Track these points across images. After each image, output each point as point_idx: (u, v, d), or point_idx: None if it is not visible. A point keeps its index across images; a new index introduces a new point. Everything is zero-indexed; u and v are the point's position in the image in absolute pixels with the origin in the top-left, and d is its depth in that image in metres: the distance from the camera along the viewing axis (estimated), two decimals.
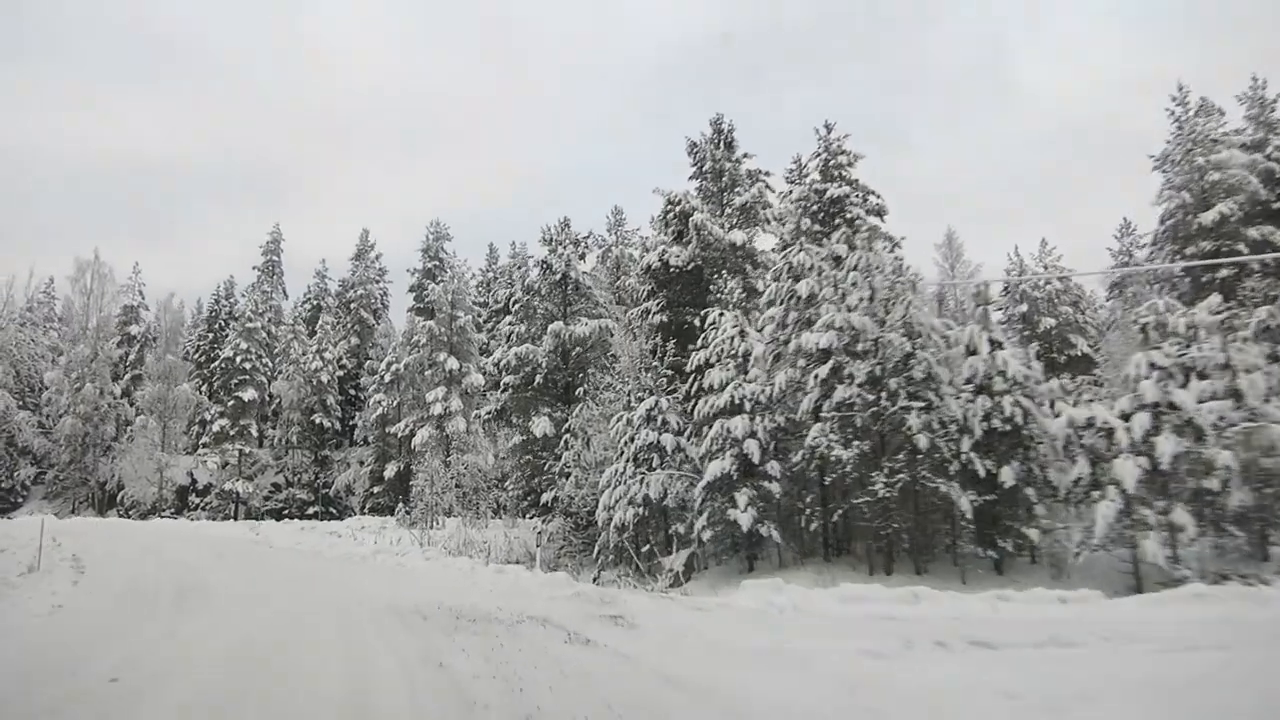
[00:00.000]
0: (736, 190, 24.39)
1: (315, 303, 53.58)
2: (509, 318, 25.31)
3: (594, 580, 17.60)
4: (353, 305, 52.05)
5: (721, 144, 24.65)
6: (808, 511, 14.76)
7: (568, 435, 21.91)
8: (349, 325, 51.14)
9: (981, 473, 13.60)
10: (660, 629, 8.07)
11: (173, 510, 42.96)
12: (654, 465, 16.59)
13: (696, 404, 17.60)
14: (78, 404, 43.51)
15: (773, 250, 24.25)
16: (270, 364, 46.96)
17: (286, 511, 41.98)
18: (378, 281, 54.37)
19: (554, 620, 8.41)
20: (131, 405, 45.47)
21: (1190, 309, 14.75)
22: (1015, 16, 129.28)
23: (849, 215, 27.36)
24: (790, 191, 29.62)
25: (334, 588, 12.14)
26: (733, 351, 17.09)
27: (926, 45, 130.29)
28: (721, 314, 18.56)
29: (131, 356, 47.37)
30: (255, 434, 44.31)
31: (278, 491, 43.96)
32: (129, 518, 41.01)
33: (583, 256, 25.97)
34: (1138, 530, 12.20)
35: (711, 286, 21.40)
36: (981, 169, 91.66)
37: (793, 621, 9.31)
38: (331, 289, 54.65)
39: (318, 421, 44.86)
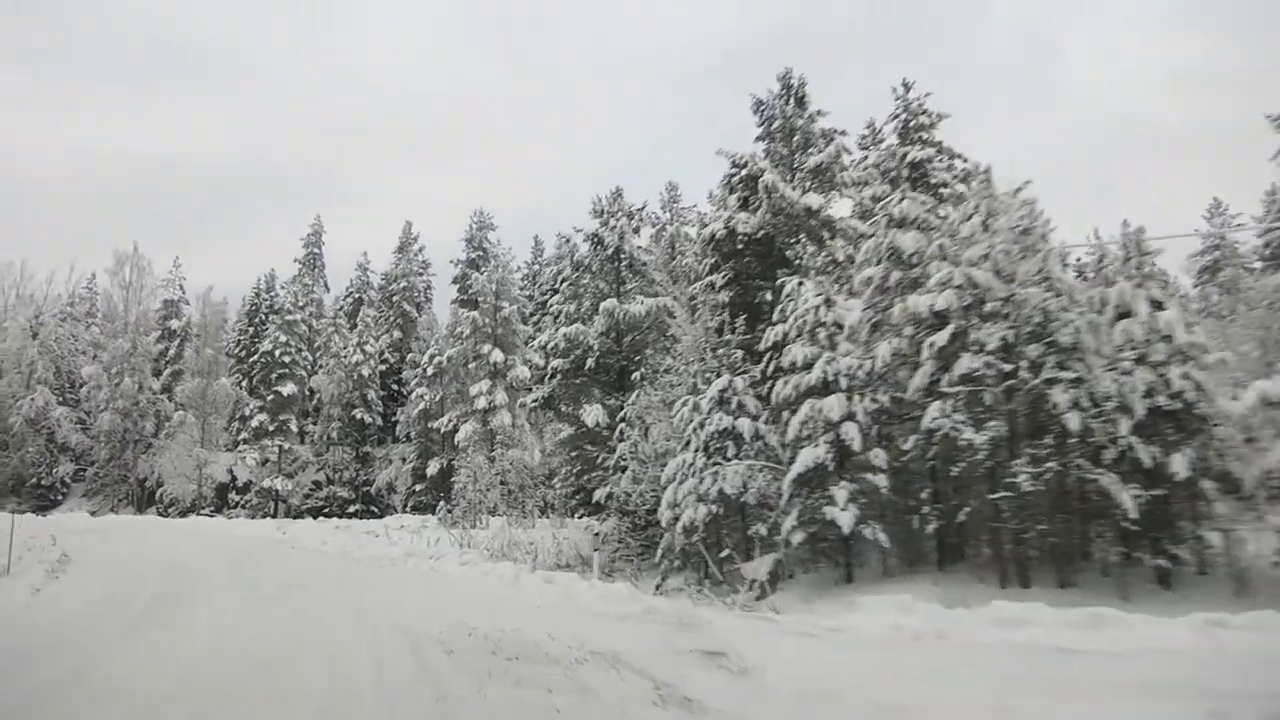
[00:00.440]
0: (809, 151, 21.74)
1: (357, 296, 52.07)
2: (556, 296, 23.03)
3: (656, 589, 15.21)
4: (395, 298, 50.45)
5: (792, 100, 22.03)
6: (922, 509, 12.13)
7: (623, 424, 19.51)
8: (391, 319, 49.55)
9: (1147, 462, 10.86)
10: (786, 675, 5.60)
11: (212, 508, 41.63)
12: (729, 455, 14.09)
13: (773, 386, 15.11)
14: (116, 399, 42.39)
15: (851, 216, 21.61)
16: (310, 358, 45.47)
17: (327, 510, 40.38)
18: (420, 274, 52.77)
19: (628, 658, 6.01)
20: (171, 401, 44.28)
21: None
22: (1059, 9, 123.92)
23: (932, 181, 24.65)
24: (866, 156, 26.94)
25: (343, 601, 9.93)
26: (819, 322, 14.53)
27: (973, 37, 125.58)
28: (801, 282, 16.02)
29: (171, 351, 46.26)
30: (295, 430, 42.78)
31: (318, 489, 42.38)
32: (168, 515, 39.75)
33: (636, 230, 23.55)
34: None
35: (789, 253, 18.83)
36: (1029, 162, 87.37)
37: (954, 658, 6.77)
38: (374, 282, 53.10)
39: (359, 417, 43.21)
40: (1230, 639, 7.74)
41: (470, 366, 39.38)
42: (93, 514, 39.25)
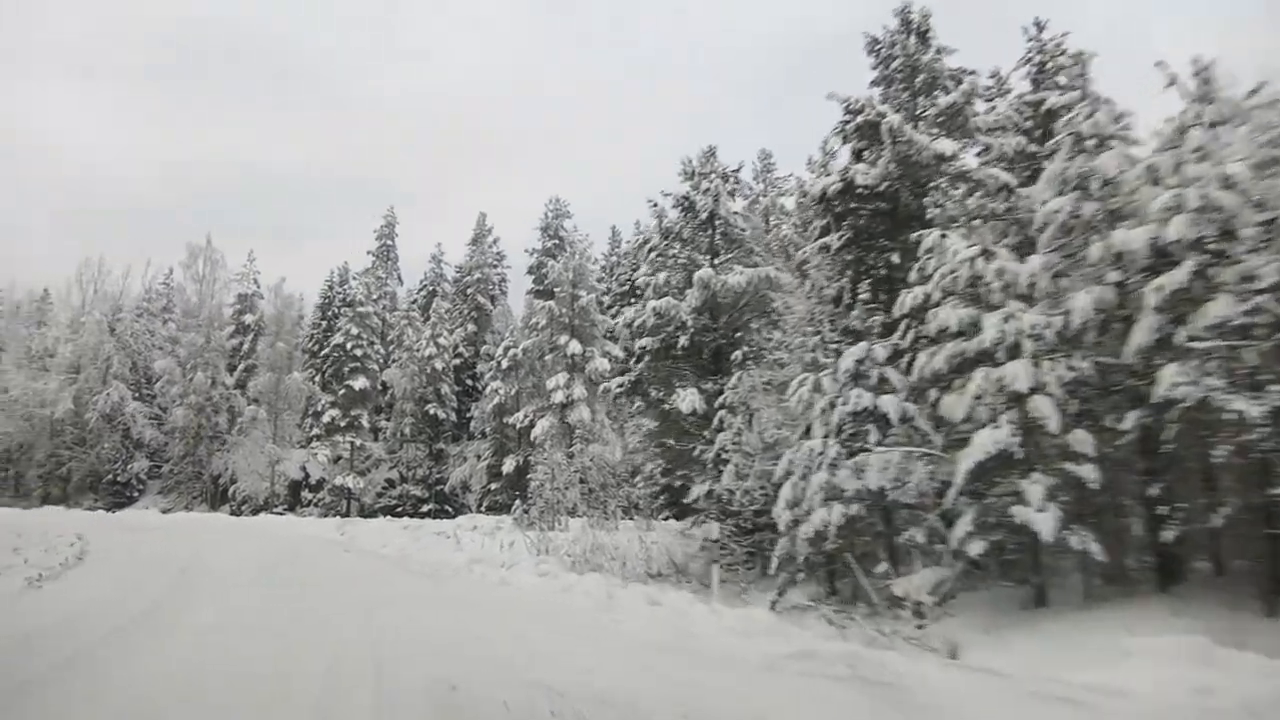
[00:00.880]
0: (934, 94, 18.64)
1: (430, 289, 50.57)
2: (644, 267, 20.36)
3: (771, 606, 12.44)
4: (469, 291, 48.78)
5: (913, 35, 18.94)
6: (1156, 509, 9.05)
7: (722, 412, 16.78)
8: (465, 312, 47.87)
9: None
10: None
11: (284, 506, 40.40)
12: (870, 441, 11.20)
13: (913, 359, 12.22)
14: (189, 394, 41.61)
15: (987, 164, 18.41)
16: (384, 352, 44.03)
17: (400, 509, 38.74)
18: (494, 266, 50.98)
19: None
20: (244, 396, 43.38)
21: None
22: None
23: (1075, 132, 21.24)
24: (993, 107, 23.57)
25: (374, 630, 7.40)
26: (976, 277, 11.54)
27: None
28: (944, 234, 13.06)
29: (245, 346, 45.44)
30: (368, 426, 41.27)
31: (391, 487, 40.79)
32: (240, 514, 38.64)
33: (732, 194, 20.78)
34: None
35: (920, 206, 15.81)
36: None
37: None
38: (448, 274, 51.55)
39: (432, 412, 41.47)
40: None
41: (546, 359, 37.31)
42: (167, 511, 38.42)
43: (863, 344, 11.99)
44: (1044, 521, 8.78)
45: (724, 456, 16.32)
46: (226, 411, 42.97)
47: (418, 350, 42.04)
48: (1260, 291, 8.16)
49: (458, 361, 44.82)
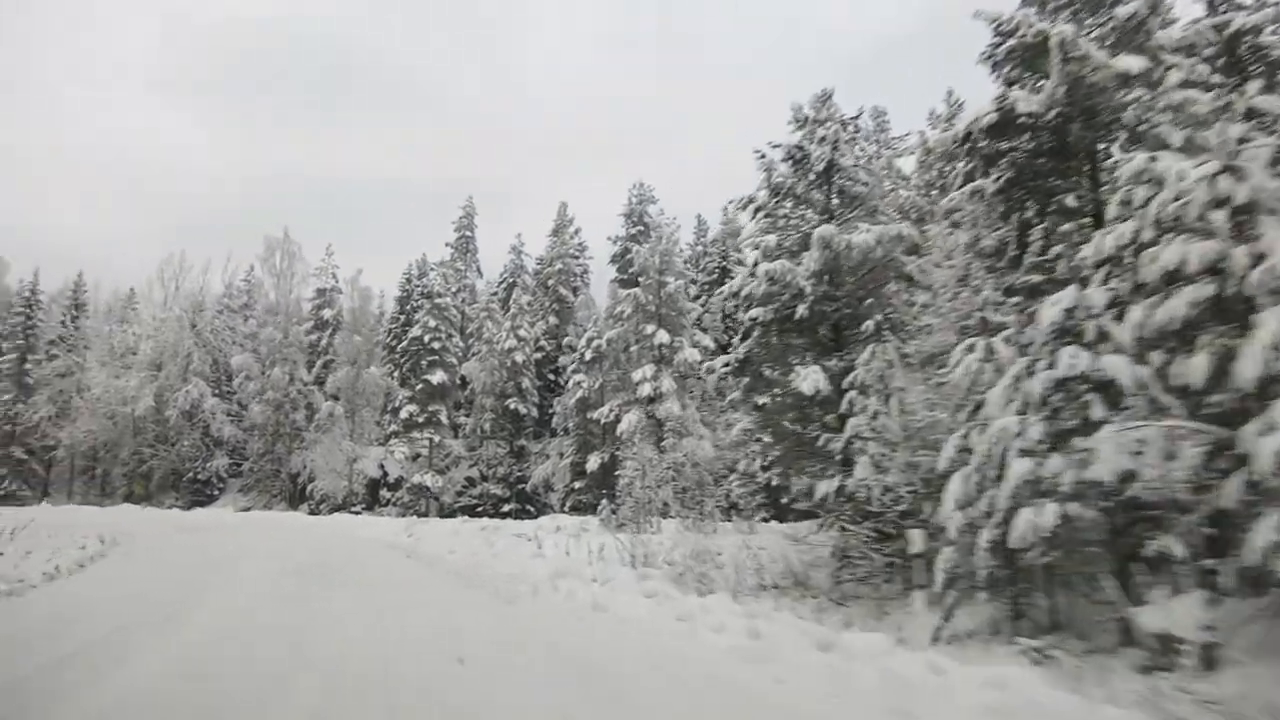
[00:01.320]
0: (1104, 8, 15.40)
1: (510, 281, 48.79)
2: (750, 225, 17.61)
3: (934, 639, 9.60)
4: (550, 283, 46.83)
5: None
6: None
7: (852, 393, 13.89)
8: (546, 305, 45.93)
9: None
10: None
11: (363, 505, 39.03)
12: (1093, 418, 8.23)
13: (1121, 313, 9.22)
14: (267, 390, 40.68)
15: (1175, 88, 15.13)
16: (462, 345, 42.36)
17: (480, 508, 36.89)
18: (577, 257, 48.97)
19: None
20: (322, 392, 42.28)
21: None
22: None
23: (1275, 56, 17.68)
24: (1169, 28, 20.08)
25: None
26: (1216, 201, 8.49)
27: None
28: (1153, 157, 9.98)
29: (324, 342, 44.42)
30: (446, 422, 39.57)
31: (471, 486, 39.01)
32: (318, 513, 37.42)
33: (851, 142, 17.87)
34: None
35: (1114, 121, 12.71)
36: None
37: None
38: (528, 266, 49.68)
39: (513, 408, 39.56)
40: None
41: (632, 350, 35.01)
42: (246, 510, 37.49)
43: (1070, 289, 9.03)
44: None
45: (857, 445, 13.46)
46: (305, 408, 41.95)
47: (497, 343, 40.28)
48: None
49: (539, 356, 42.95)
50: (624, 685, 5.42)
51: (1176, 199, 9.01)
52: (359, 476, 39.54)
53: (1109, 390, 8.29)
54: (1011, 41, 15.13)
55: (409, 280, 46.38)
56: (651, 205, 45.58)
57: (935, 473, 11.31)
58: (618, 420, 32.79)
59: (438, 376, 38.97)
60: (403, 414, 38.88)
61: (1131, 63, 14.01)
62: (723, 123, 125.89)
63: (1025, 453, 8.75)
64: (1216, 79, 15.82)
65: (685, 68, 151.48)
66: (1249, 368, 7.06)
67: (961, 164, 15.64)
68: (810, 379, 14.63)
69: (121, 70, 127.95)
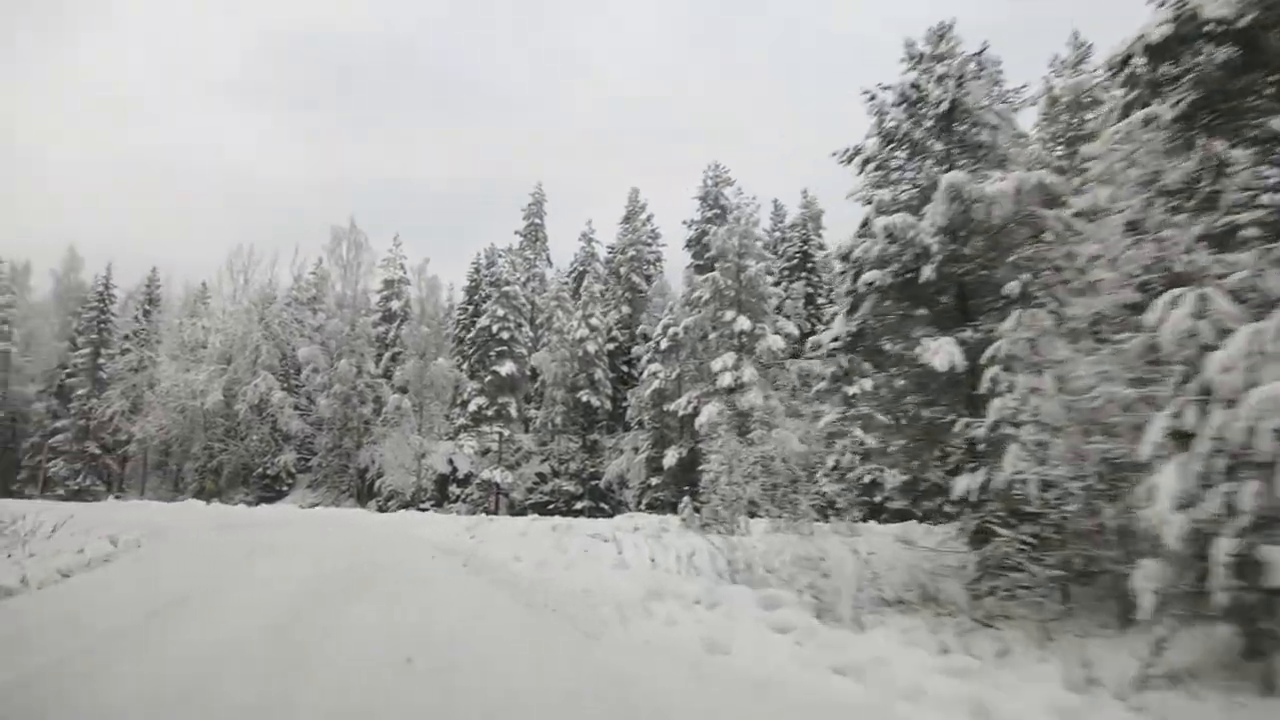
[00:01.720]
0: None
1: (580, 269, 47.02)
2: (859, 179, 15.14)
3: (1141, 678, 7.19)
4: (622, 271, 44.92)
5: None
6: None
7: (994, 368, 11.42)
8: (619, 294, 44.04)
9: None
10: None
11: (431, 502, 37.72)
12: None
13: None
14: (334, 383, 39.77)
15: None
16: (532, 336, 40.79)
17: (552, 505, 35.18)
18: (649, 244, 46.95)
19: None
20: (390, 385, 41.23)
21: None
22: None
23: None
24: None
25: None
26: None
27: None
28: None
29: (391, 334, 43.42)
30: (516, 415, 38.00)
31: (543, 482, 37.34)
32: (386, 509, 36.23)
33: (977, 79, 15.30)
34: None
35: None
36: None
37: None
38: (599, 254, 47.80)
39: (585, 400, 37.79)
40: None
41: (710, 338, 32.83)
42: (313, 506, 36.56)
43: None
44: None
45: (1002, 433, 11.02)
46: (372, 401, 40.95)
47: (568, 333, 38.57)
48: None
49: (611, 346, 41.12)
50: None
51: None
52: (428, 472, 38.25)
53: None
54: None
55: (477, 270, 45.04)
56: (728, 187, 43.23)
57: (1121, 462, 8.91)
58: (696, 412, 30.67)
59: (507, 368, 37.41)
60: (471, 407, 37.43)
61: None
62: (795, 112, 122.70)
63: None
64: None
65: (744, 67, 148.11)
66: None
67: (1121, 92, 13.07)
68: (944, 352, 12.16)
69: (201, 77, 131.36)
